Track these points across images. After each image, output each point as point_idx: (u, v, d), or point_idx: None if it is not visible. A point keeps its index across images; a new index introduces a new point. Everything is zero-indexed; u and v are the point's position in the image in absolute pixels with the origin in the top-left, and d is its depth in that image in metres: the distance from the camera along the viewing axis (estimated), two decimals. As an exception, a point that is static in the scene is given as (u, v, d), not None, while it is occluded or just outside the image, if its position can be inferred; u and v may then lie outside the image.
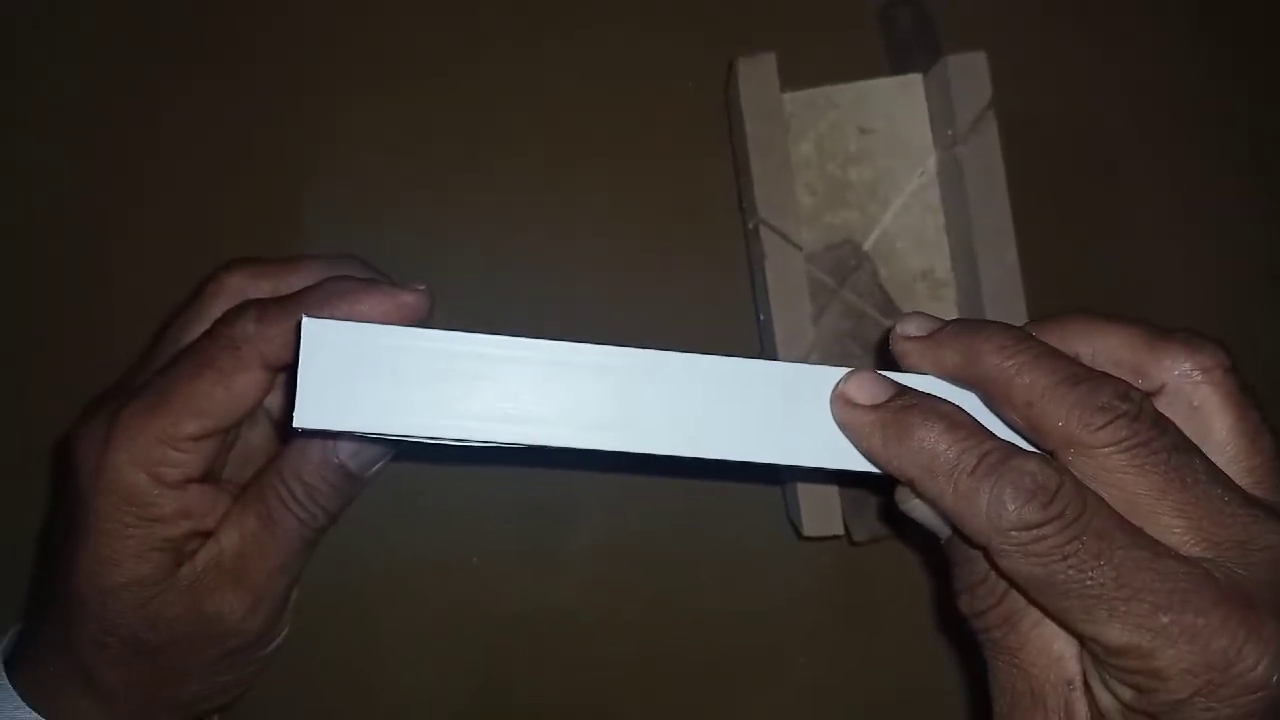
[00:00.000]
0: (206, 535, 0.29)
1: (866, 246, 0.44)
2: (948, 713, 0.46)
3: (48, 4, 0.48)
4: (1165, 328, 0.26)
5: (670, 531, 0.47)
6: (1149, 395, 0.24)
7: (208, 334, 0.29)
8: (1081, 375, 0.23)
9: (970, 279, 0.42)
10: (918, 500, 0.25)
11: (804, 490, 0.41)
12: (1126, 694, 0.22)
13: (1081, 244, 0.48)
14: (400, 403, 0.25)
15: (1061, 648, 0.24)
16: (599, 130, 0.48)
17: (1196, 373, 0.25)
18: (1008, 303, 0.41)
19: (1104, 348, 0.25)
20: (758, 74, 0.41)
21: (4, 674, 0.31)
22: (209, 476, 0.30)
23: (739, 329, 0.46)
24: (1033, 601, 0.24)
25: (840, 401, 0.26)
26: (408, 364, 0.25)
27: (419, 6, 0.48)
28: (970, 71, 0.41)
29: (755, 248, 0.43)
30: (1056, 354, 0.24)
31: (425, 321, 0.30)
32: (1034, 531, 0.22)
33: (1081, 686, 0.23)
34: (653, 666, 0.45)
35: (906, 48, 0.46)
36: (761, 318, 0.44)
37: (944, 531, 0.26)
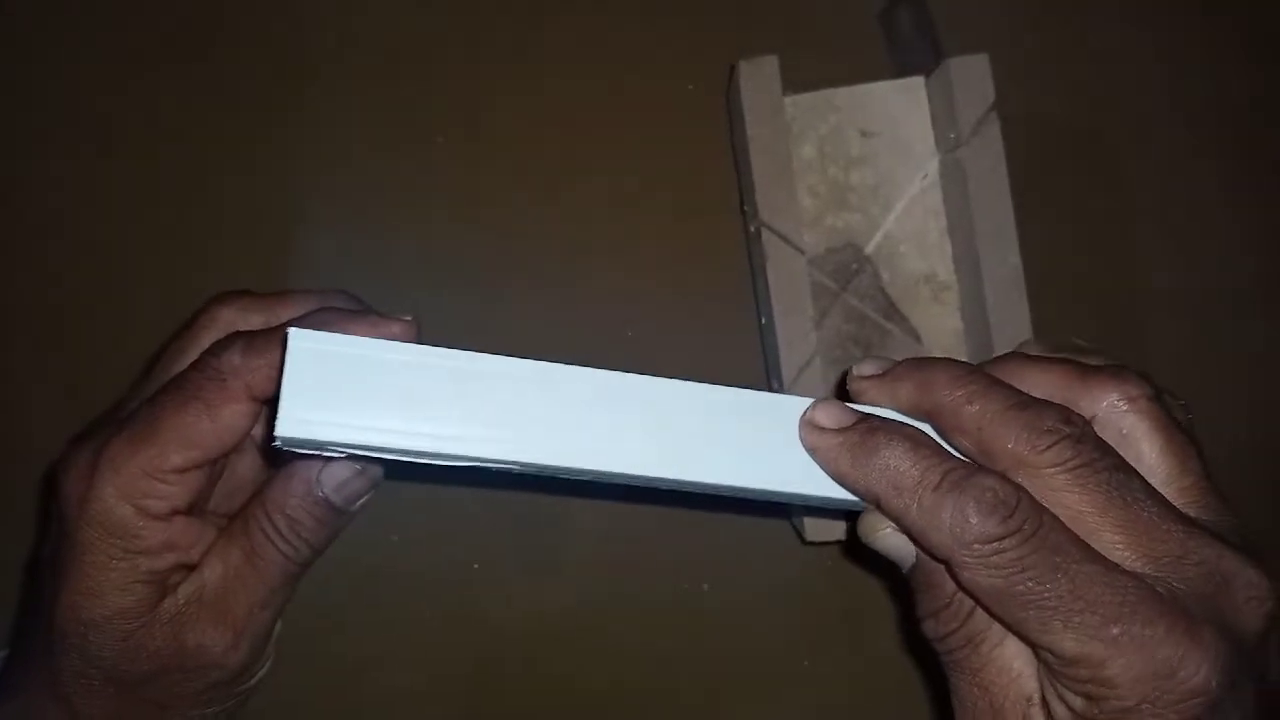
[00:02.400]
0: (191, 568, 0.29)
1: (869, 250, 0.44)
2: (948, 713, 0.46)
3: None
4: (1091, 365, 0.28)
5: (673, 535, 0.47)
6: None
7: (194, 365, 0.29)
8: (1027, 402, 0.25)
9: (973, 281, 0.42)
10: (882, 532, 0.26)
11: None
12: (1079, 703, 0.23)
13: (1083, 245, 0.48)
14: (380, 414, 0.25)
15: (1021, 666, 0.25)
16: (600, 133, 0.48)
17: (1123, 402, 0.26)
18: (1010, 305, 0.41)
19: (1036, 386, 0.27)
20: (759, 76, 0.41)
21: None
22: (195, 509, 0.30)
23: (741, 332, 0.46)
24: (992, 614, 0.25)
25: (809, 427, 0.27)
26: (387, 378, 0.25)
27: (419, 7, 0.48)
28: (972, 74, 0.41)
29: (757, 251, 0.43)
30: (1003, 384, 0.26)
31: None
32: (995, 545, 0.23)
33: (1040, 703, 0.25)
34: (655, 668, 0.44)
35: (908, 50, 0.46)
36: (763, 321, 0.44)
37: (907, 561, 0.26)
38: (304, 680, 0.39)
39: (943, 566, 0.25)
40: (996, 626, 0.25)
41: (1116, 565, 0.23)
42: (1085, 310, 0.47)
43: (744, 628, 0.46)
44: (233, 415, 0.28)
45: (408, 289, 0.46)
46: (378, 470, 0.30)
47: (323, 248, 0.47)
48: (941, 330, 0.44)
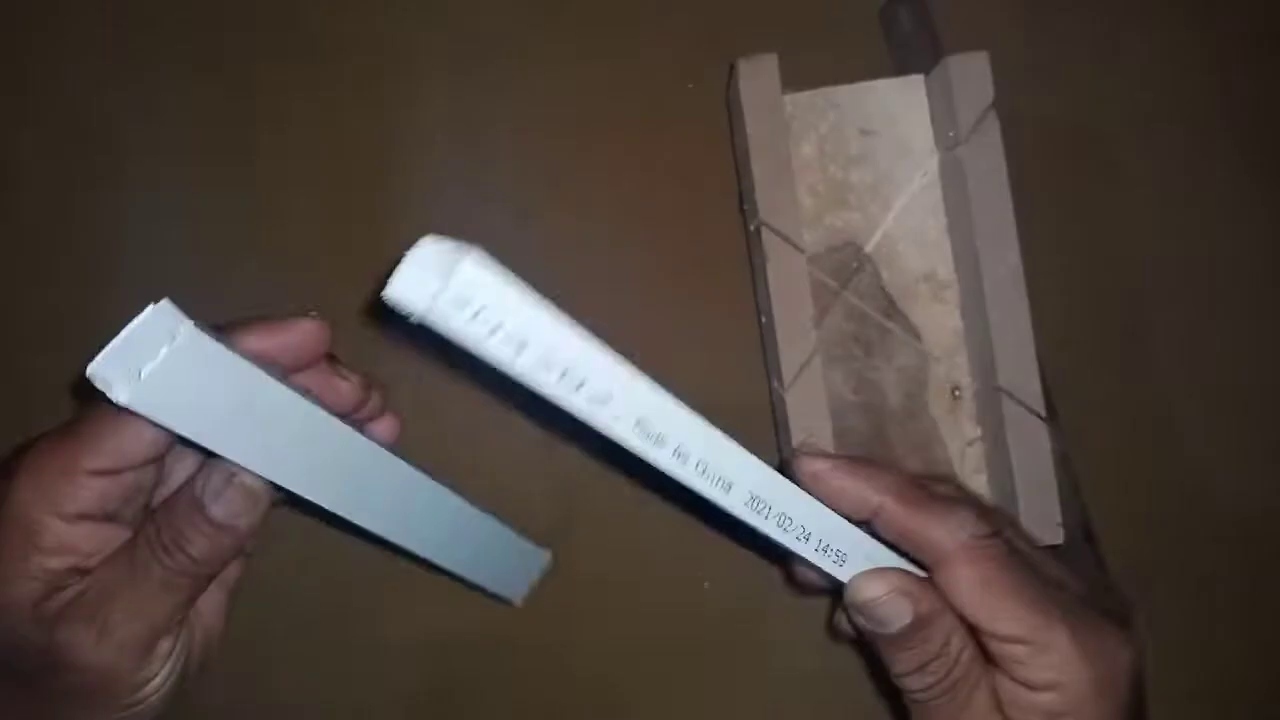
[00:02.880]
0: (88, 573, 0.30)
1: (868, 248, 0.44)
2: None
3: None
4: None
5: (674, 534, 0.46)
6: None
7: None
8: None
9: (972, 280, 0.42)
10: (880, 596, 0.29)
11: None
12: (1044, 700, 0.29)
13: (1083, 244, 0.48)
14: (209, 413, 0.26)
15: (989, 706, 0.30)
16: (599, 131, 0.48)
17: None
18: (1010, 304, 0.41)
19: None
20: (759, 75, 0.41)
21: None
22: (110, 517, 0.30)
23: (741, 331, 0.46)
24: (975, 614, 0.29)
25: (805, 459, 0.31)
26: (228, 386, 0.27)
27: (419, 8, 0.48)
28: (972, 72, 0.41)
29: (757, 250, 0.42)
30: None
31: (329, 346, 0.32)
32: (987, 540, 0.29)
33: None
34: (655, 668, 0.44)
35: (908, 48, 0.46)
36: (763, 319, 0.44)
37: (903, 619, 0.29)
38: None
39: (938, 613, 0.29)
40: (973, 675, 0.29)
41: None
42: (1085, 310, 0.47)
43: (744, 627, 0.46)
44: (136, 430, 0.29)
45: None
46: (258, 485, 0.29)
47: (321, 247, 0.47)
48: (941, 329, 0.44)
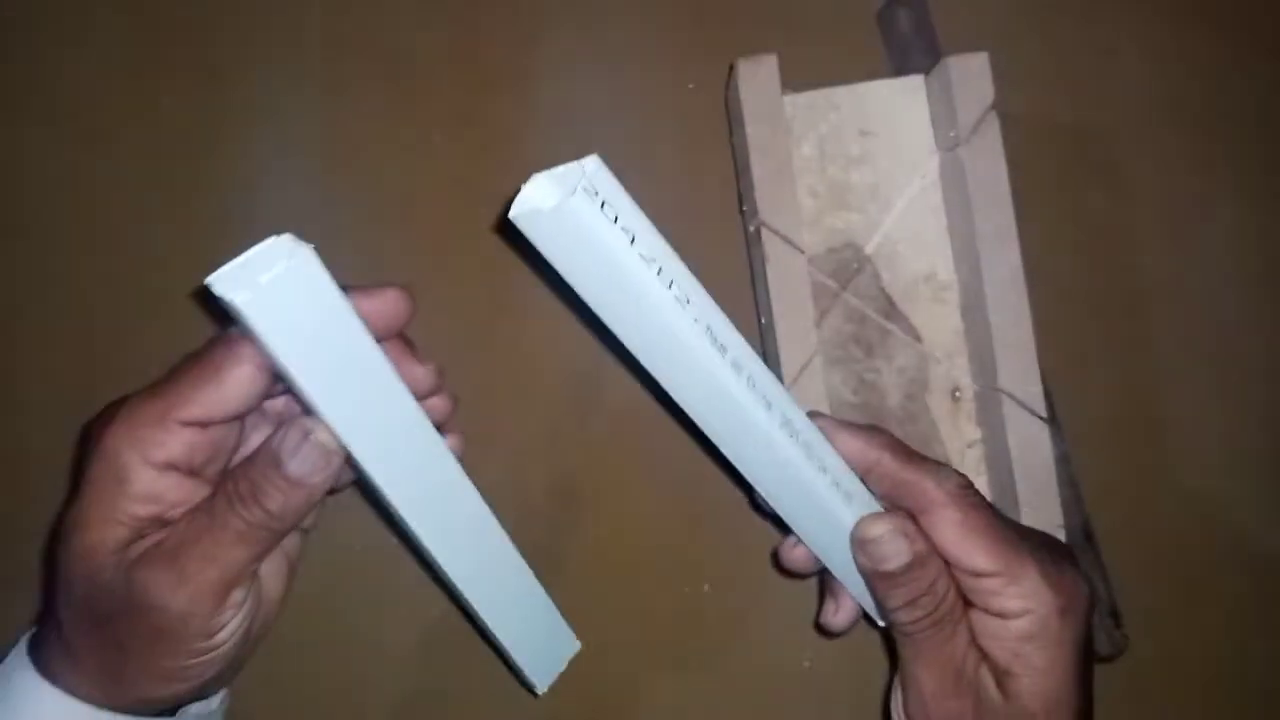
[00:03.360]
0: (169, 524, 0.31)
1: (868, 249, 0.44)
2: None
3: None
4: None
5: (673, 537, 0.46)
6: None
7: (212, 338, 0.31)
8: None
9: (973, 281, 0.42)
10: (884, 531, 0.33)
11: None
12: (1017, 625, 0.32)
13: (1083, 245, 0.48)
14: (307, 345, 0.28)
15: (965, 646, 0.33)
16: (599, 132, 0.48)
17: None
18: (1010, 304, 0.41)
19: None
20: (759, 76, 0.41)
21: (25, 640, 0.33)
22: (195, 471, 0.31)
23: (741, 332, 0.46)
24: (956, 552, 0.33)
25: (816, 417, 0.34)
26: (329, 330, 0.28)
27: (419, 6, 0.48)
28: (972, 73, 0.41)
29: (757, 250, 0.42)
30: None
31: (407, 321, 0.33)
32: (968, 490, 0.33)
33: (976, 663, 0.33)
34: (655, 669, 0.44)
35: (907, 49, 0.46)
36: (763, 321, 0.44)
37: (902, 558, 0.33)
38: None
39: (929, 554, 0.33)
40: (956, 612, 0.33)
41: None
42: (1085, 310, 0.47)
43: (745, 628, 0.46)
44: (235, 378, 0.30)
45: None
46: (333, 444, 0.30)
47: (320, 247, 0.47)
48: (941, 330, 0.44)
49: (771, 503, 0.34)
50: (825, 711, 0.46)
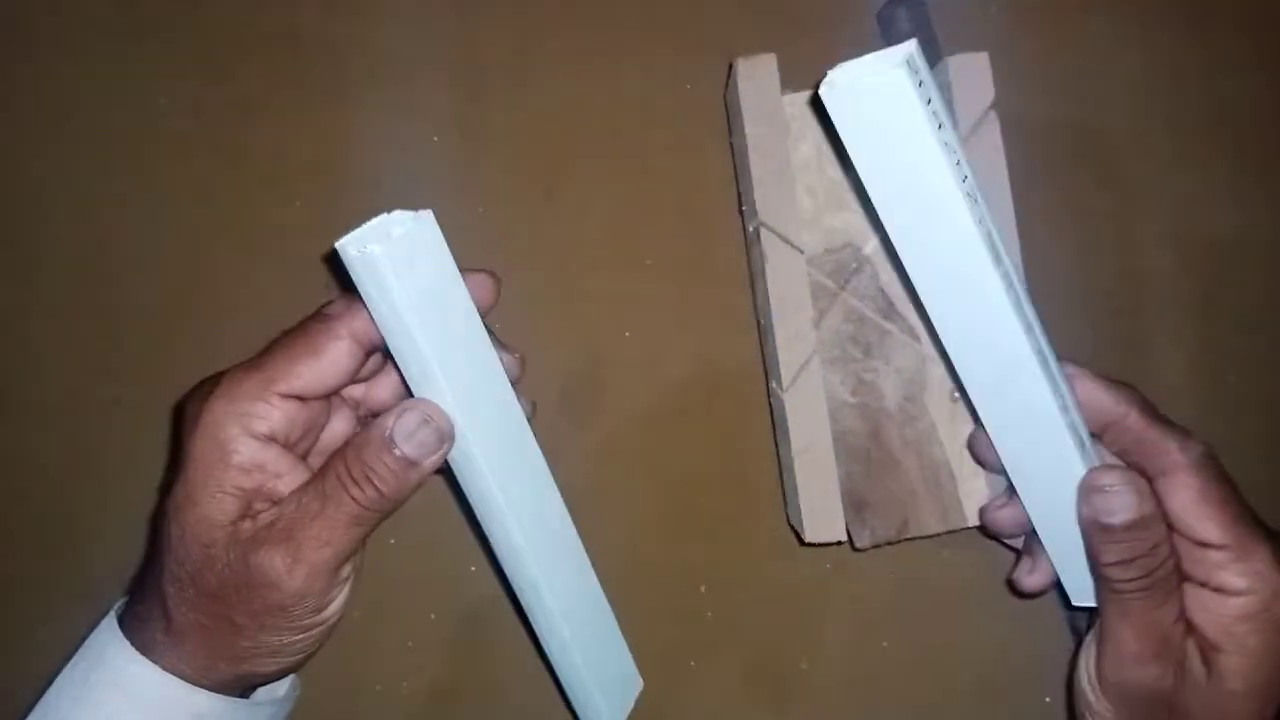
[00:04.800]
0: (276, 502, 0.32)
1: (867, 249, 0.44)
2: (947, 715, 0.46)
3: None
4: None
5: (670, 538, 0.46)
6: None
7: (310, 315, 0.33)
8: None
9: (972, 281, 0.42)
10: (1103, 483, 0.33)
11: (805, 496, 0.40)
12: (1236, 604, 0.32)
13: (1083, 245, 0.47)
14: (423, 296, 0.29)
15: (1177, 611, 0.33)
16: (598, 132, 0.47)
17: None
18: (1010, 305, 0.40)
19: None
20: (758, 75, 0.41)
21: (115, 612, 0.34)
22: (292, 446, 0.33)
23: (740, 332, 0.46)
24: (1189, 520, 0.32)
25: (1066, 363, 0.34)
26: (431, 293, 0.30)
27: (419, 6, 0.48)
28: (972, 72, 0.41)
29: (756, 250, 0.42)
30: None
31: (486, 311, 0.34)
32: (1211, 461, 0.33)
33: (1183, 634, 0.33)
34: (653, 671, 0.44)
35: (907, 49, 0.45)
36: (762, 321, 0.44)
37: (1138, 510, 0.32)
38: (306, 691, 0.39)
39: (1157, 515, 0.32)
40: (1172, 581, 0.33)
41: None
42: (1085, 310, 0.47)
43: (742, 629, 0.46)
44: (334, 352, 0.32)
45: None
46: (445, 423, 0.31)
47: (317, 248, 0.47)
48: (941, 330, 0.44)
49: (998, 440, 0.34)
50: (825, 712, 0.46)
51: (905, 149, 0.28)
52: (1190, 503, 0.32)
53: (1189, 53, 0.48)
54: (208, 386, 0.32)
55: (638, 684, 0.40)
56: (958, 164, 0.29)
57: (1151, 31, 0.48)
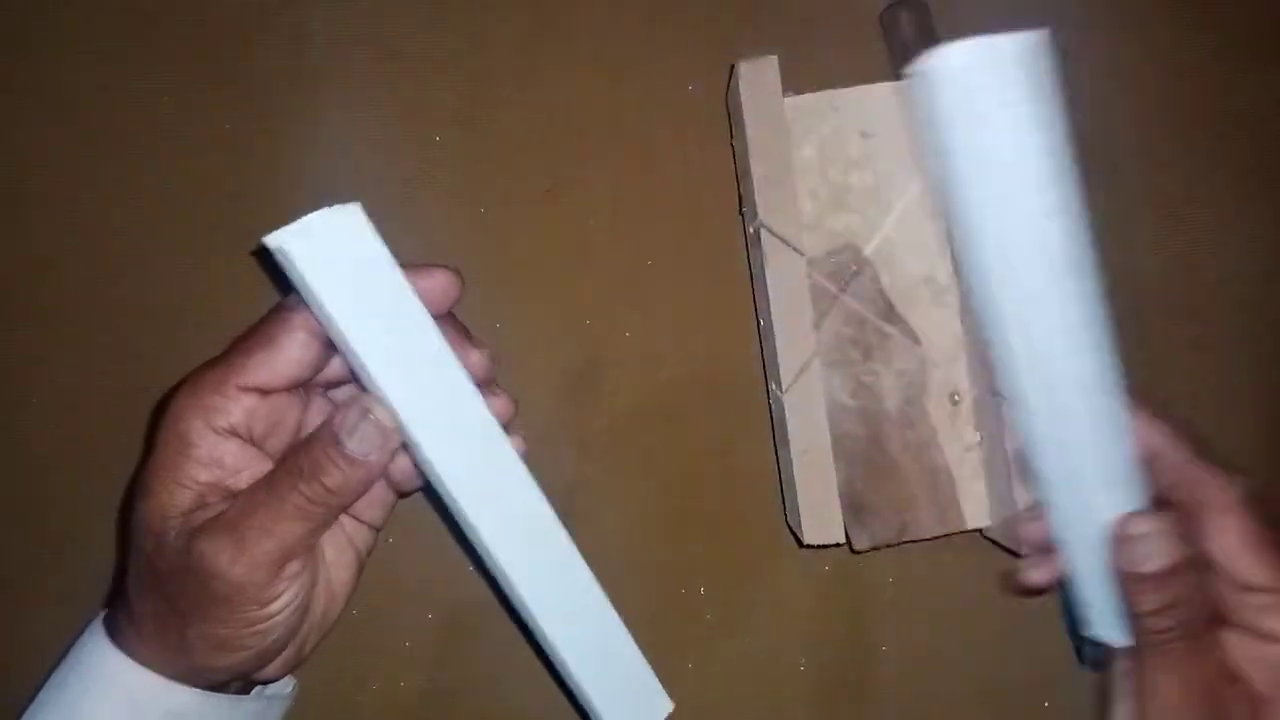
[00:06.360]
0: (234, 496, 0.32)
1: (868, 252, 0.44)
2: (945, 718, 0.46)
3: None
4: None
5: (668, 539, 0.46)
6: None
7: (272, 308, 0.33)
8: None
9: (973, 284, 0.42)
10: (1134, 533, 0.31)
11: (804, 498, 0.40)
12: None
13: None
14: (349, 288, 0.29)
15: (1216, 656, 0.31)
16: (599, 133, 0.47)
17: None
18: (1010, 308, 0.40)
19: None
20: (759, 77, 0.41)
21: (102, 612, 0.35)
22: (255, 440, 0.33)
23: (740, 333, 0.46)
24: (1232, 561, 0.31)
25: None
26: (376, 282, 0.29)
27: (420, 6, 0.48)
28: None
29: (756, 252, 0.42)
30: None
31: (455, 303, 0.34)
32: (1253, 501, 0.32)
33: (1234, 682, 0.31)
34: (653, 669, 0.44)
35: (909, 51, 0.45)
36: (762, 322, 0.44)
37: (1149, 565, 0.31)
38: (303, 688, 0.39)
39: (1194, 561, 0.31)
40: (1210, 626, 0.31)
41: None
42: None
43: (740, 630, 0.46)
44: (288, 344, 0.32)
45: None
46: (387, 418, 0.31)
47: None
48: (941, 333, 0.44)
49: (1039, 451, 0.32)
50: (820, 713, 0.46)
51: (1003, 131, 0.28)
52: (1234, 543, 0.31)
53: (1189, 53, 0.48)
54: (179, 385, 0.33)
55: (666, 705, 0.37)
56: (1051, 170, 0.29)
57: (1151, 34, 0.48)
